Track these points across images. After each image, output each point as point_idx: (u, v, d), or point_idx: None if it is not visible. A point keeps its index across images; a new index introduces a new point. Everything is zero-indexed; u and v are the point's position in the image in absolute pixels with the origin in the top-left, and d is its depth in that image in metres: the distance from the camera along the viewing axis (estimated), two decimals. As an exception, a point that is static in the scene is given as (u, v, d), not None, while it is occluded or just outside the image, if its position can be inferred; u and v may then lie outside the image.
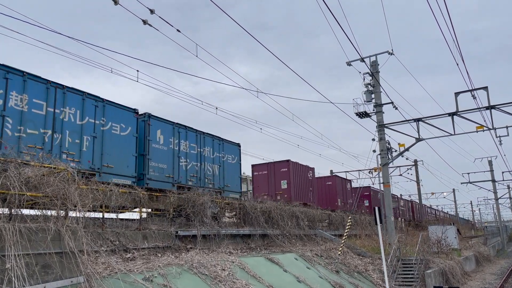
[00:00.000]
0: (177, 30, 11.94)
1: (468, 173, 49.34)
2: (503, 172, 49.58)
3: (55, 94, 11.43)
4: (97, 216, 11.25)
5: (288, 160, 23.91)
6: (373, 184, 38.86)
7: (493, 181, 51.47)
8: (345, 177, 32.88)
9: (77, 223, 7.99)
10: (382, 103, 23.53)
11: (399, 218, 41.30)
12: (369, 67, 23.80)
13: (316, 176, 29.14)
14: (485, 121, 21.55)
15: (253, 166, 24.89)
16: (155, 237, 11.91)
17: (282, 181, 23.55)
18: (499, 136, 24.65)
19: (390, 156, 23.44)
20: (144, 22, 11.09)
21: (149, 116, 14.42)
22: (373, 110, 23.73)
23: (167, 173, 14.62)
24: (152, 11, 10.76)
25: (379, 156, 23.55)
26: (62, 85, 11.71)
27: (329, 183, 30.35)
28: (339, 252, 18.49)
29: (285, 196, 22.71)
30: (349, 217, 21.23)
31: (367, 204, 35.03)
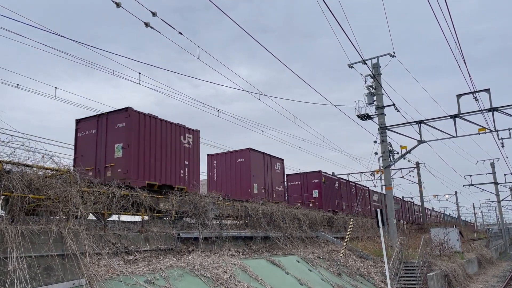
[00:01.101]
0: (179, 32, 11.97)
1: (470, 176, 49.29)
2: (505, 174, 49.45)
3: None
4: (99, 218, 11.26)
5: (127, 109, 13.96)
6: (374, 186, 38.63)
7: (495, 183, 51.36)
8: (271, 154, 22.81)
9: (79, 226, 7.99)
10: (384, 105, 23.54)
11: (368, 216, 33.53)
12: (370, 69, 23.83)
13: (227, 151, 22.10)
14: (487, 123, 21.54)
15: (77, 121, 14.92)
16: (157, 240, 11.91)
17: (116, 146, 13.70)
18: (501, 138, 24.67)
19: (392, 158, 23.42)
20: (146, 24, 11.13)
21: None
22: (375, 112, 23.74)
23: None
24: (154, 14, 10.79)
25: (381, 159, 23.54)
26: None
27: (241, 160, 20.84)
28: (341, 255, 18.44)
29: (118, 170, 13.38)
30: (351, 220, 21.19)
31: (316, 196, 27.26)
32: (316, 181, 27.51)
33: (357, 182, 35.26)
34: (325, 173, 28.46)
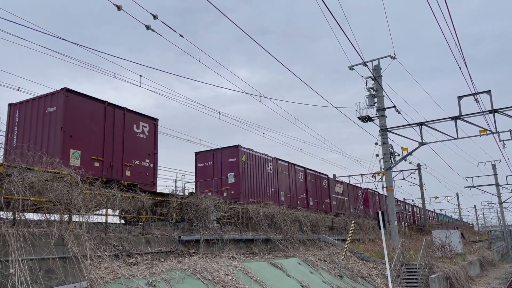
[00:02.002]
0: (180, 35, 12.01)
1: (472, 177, 49.20)
2: (507, 176, 49.24)
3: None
4: (100, 221, 11.26)
5: None
6: (376, 188, 38.44)
7: (497, 185, 51.28)
8: (127, 107, 13.92)
9: (80, 228, 8.00)
10: (385, 107, 23.54)
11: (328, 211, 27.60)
12: (371, 71, 23.85)
13: (36, 96, 12.78)
14: (488, 125, 21.53)
15: None
16: (158, 242, 11.91)
17: None
18: (503, 140, 24.66)
19: (393, 160, 23.40)
20: (147, 27, 11.16)
21: None
22: (376, 114, 23.74)
23: None
24: (155, 17, 10.83)
25: (382, 160, 23.52)
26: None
27: (51, 109, 12.32)
28: (343, 257, 18.42)
29: None
30: (352, 222, 21.17)
31: (233, 181, 19.16)
32: (233, 160, 19.21)
33: (309, 168, 26.26)
34: (248, 149, 19.98)
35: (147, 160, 14.39)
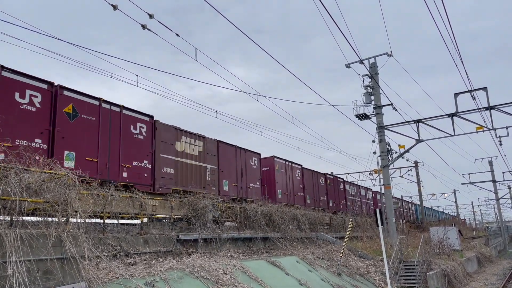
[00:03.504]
0: (176, 34, 11.98)
1: (469, 174, 49.41)
2: (503, 173, 49.57)
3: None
4: (98, 221, 11.23)
5: None
6: (373, 186, 38.39)
7: (494, 181, 51.48)
8: None
9: (78, 229, 7.97)
10: (382, 104, 23.58)
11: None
12: (368, 69, 23.87)
13: None
14: (485, 121, 21.60)
15: None
16: (156, 242, 11.89)
17: None
18: (499, 137, 24.72)
19: (390, 158, 23.45)
20: (143, 26, 11.13)
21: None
22: (373, 112, 23.77)
23: None
24: (151, 16, 10.81)
25: (379, 158, 23.57)
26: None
27: None
28: (341, 255, 18.43)
29: None
30: (350, 220, 21.20)
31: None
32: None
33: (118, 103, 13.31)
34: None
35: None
